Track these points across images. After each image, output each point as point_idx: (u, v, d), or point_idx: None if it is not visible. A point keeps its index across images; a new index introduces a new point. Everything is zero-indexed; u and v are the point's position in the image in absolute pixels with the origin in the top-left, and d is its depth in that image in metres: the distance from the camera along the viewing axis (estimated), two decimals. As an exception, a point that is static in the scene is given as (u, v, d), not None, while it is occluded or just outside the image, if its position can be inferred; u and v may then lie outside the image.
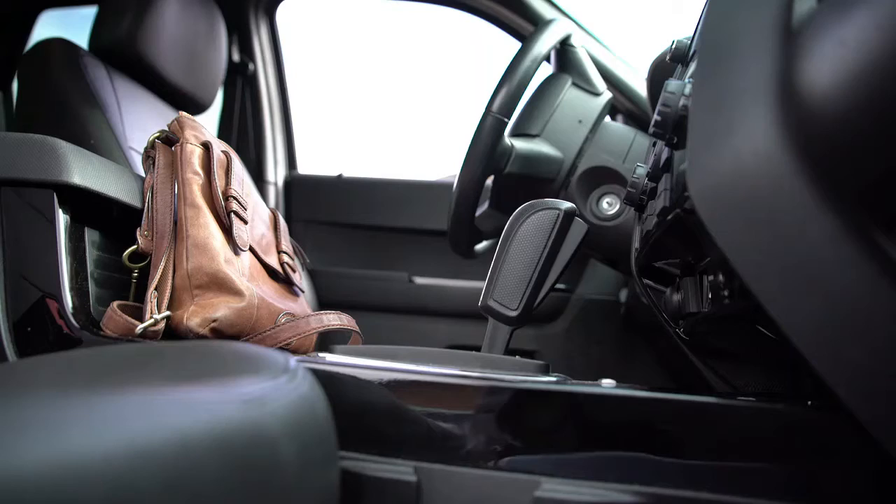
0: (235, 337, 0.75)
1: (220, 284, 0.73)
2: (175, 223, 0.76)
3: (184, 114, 0.84)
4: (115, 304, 0.71)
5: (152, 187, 0.78)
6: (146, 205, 0.77)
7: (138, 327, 0.69)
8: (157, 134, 0.81)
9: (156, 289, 0.72)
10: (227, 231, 0.79)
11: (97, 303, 0.74)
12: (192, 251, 0.74)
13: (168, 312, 0.72)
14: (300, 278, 0.96)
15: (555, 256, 0.63)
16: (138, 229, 0.75)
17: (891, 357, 0.34)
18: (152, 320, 0.70)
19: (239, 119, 1.65)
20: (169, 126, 0.83)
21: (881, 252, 0.34)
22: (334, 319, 0.84)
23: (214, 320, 0.72)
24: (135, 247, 0.75)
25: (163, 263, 0.73)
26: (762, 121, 0.35)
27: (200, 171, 0.79)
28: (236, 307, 0.74)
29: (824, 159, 0.34)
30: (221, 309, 0.72)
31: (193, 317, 0.71)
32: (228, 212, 0.79)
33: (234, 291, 0.74)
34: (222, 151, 0.84)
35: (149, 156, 0.81)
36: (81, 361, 0.46)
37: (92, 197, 0.73)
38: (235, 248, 0.79)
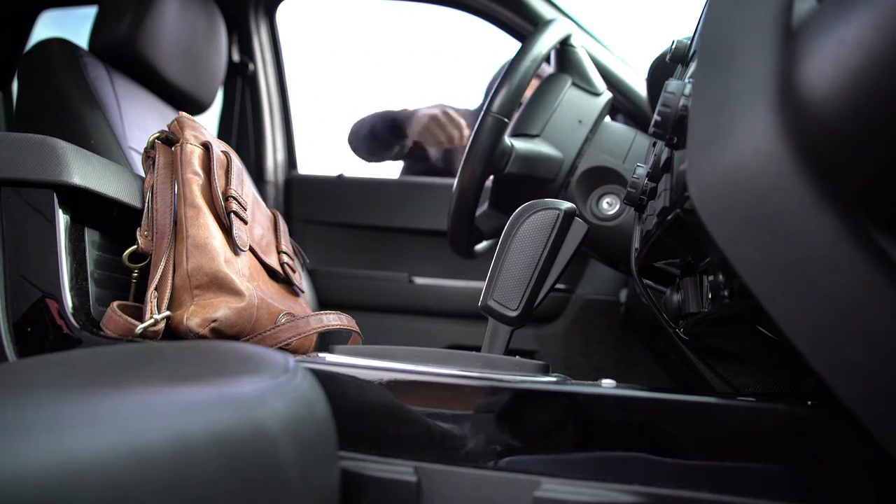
0: (235, 337, 0.75)
1: (220, 284, 0.73)
2: (175, 223, 0.76)
3: (184, 114, 0.85)
4: (115, 304, 0.71)
5: (152, 187, 0.78)
6: (146, 205, 0.77)
7: (138, 327, 0.69)
8: (157, 134, 0.81)
9: (156, 289, 0.72)
10: (227, 231, 0.79)
11: (97, 303, 0.74)
12: (192, 251, 0.74)
13: (168, 312, 0.72)
14: (300, 278, 0.96)
15: (555, 256, 0.63)
16: (138, 229, 0.76)
17: (891, 357, 0.34)
18: (152, 320, 0.70)
19: (239, 119, 1.65)
20: (169, 126, 0.83)
21: (881, 252, 0.34)
22: (334, 319, 0.84)
23: (214, 320, 0.72)
24: (135, 247, 0.75)
25: (163, 263, 0.73)
26: (762, 120, 0.35)
27: (200, 172, 0.79)
28: (236, 307, 0.74)
29: (824, 159, 0.34)
30: (221, 309, 0.72)
31: (193, 317, 0.71)
32: (228, 212, 0.79)
33: (234, 291, 0.74)
34: (222, 151, 0.84)
35: (149, 156, 0.81)
36: (81, 361, 0.46)
37: (92, 197, 0.73)
38: (235, 249, 0.79)
